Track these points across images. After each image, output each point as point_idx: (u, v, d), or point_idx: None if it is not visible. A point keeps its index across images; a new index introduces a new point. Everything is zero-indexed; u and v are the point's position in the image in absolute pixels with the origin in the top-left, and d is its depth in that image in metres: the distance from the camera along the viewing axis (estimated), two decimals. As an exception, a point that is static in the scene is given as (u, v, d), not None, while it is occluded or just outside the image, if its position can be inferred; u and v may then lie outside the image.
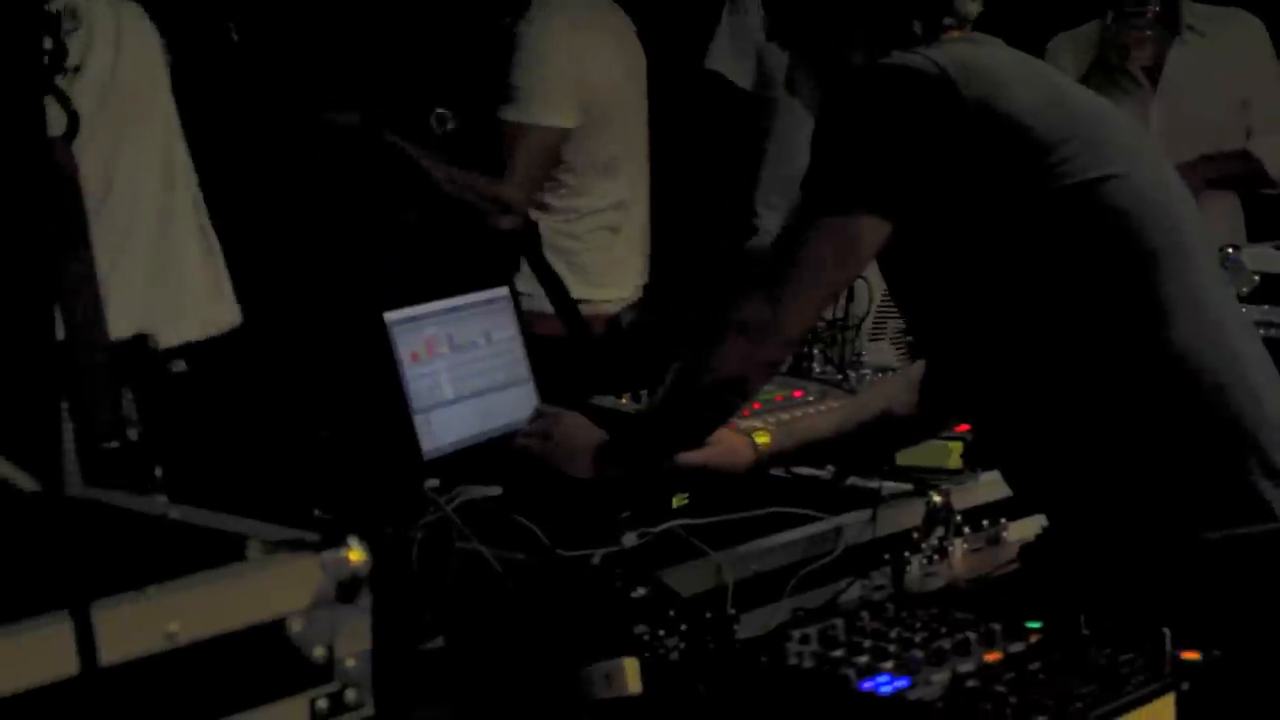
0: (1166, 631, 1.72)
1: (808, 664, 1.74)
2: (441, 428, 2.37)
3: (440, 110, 3.46)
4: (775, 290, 1.98)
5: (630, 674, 1.72)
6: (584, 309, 3.41)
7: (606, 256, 3.52)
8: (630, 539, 1.99)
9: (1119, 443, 1.94)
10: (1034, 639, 1.78)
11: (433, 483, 2.14)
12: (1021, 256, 1.94)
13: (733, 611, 1.92)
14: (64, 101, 1.67)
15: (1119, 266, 1.93)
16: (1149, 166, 2.01)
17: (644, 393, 2.66)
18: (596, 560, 1.92)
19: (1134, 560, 1.94)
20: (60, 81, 1.67)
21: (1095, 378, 1.94)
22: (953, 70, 1.93)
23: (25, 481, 1.20)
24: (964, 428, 2.40)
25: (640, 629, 1.82)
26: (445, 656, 1.89)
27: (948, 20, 2.05)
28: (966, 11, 2.07)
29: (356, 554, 1.40)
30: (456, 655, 1.89)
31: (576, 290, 3.42)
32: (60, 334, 1.67)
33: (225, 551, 1.39)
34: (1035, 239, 1.93)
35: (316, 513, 1.89)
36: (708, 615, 1.89)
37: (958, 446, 2.34)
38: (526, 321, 2.58)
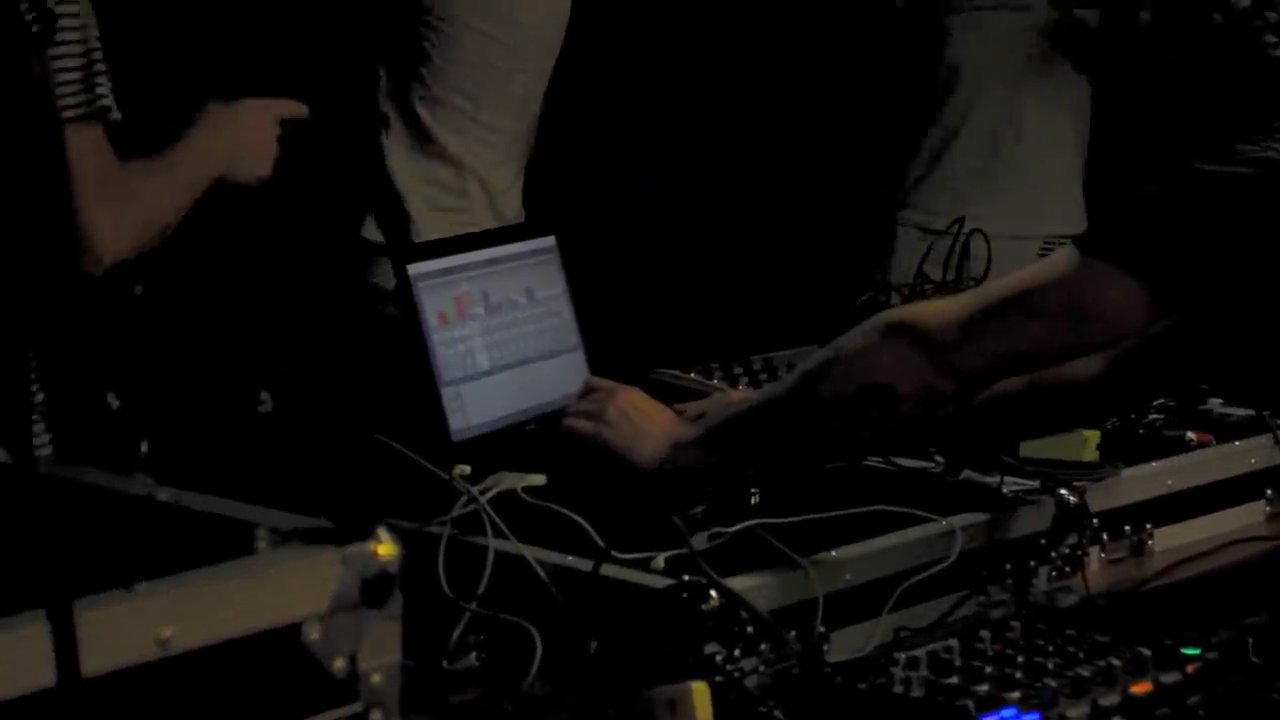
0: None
1: (916, 692, 1.76)
2: (474, 404, 2.38)
3: None
4: (983, 317, 2.00)
5: (699, 702, 1.72)
6: None
7: None
8: (700, 540, 1.99)
9: None
10: (1192, 668, 1.79)
11: (463, 469, 2.15)
12: None
13: (823, 629, 1.93)
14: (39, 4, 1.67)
15: None
16: None
17: (714, 366, 2.68)
18: (659, 565, 1.93)
19: None
20: None
21: None
22: None
23: (-4, 454, 1.20)
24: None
25: (711, 648, 1.83)
26: (478, 678, 1.90)
27: None
28: None
29: (386, 548, 1.41)
30: (492, 677, 1.90)
31: None
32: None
33: (228, 543, 1.40)
34: None
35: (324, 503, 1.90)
36: (793, 633, 1.90)
37: (1095, 436, 2.34)
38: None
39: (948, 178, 3.86)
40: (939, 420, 2.24)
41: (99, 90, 2.21)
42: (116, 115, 2.24)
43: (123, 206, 2.23)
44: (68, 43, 2.17)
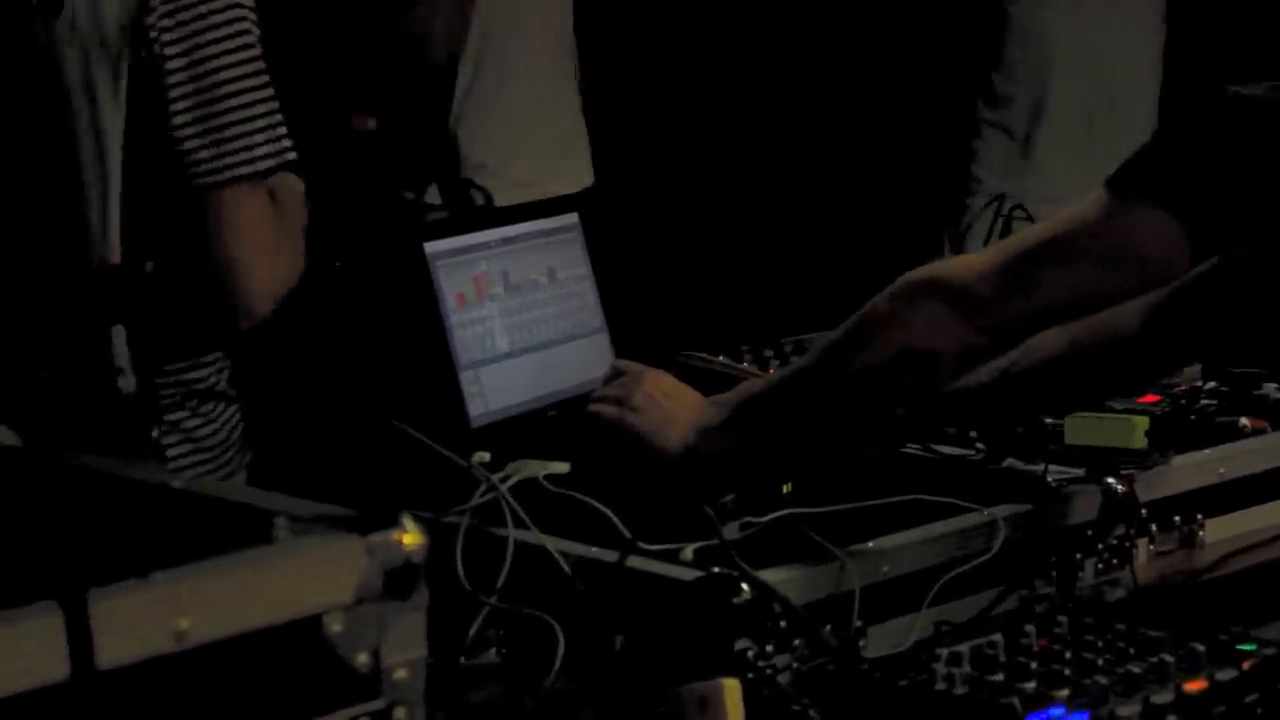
0: None
1: (959, 690, 1.75)
2: (494, 388, 2.38)
3: None
4: (1018, 268, 1.98)
5: (730, 699, 1.72)
6: None
7: None
8: (732, 530, 1.99)
9: None
10: (1248, 664, 1.78)
11: (482, 456, 2.15)
12: None
13: (860, 623, 1.93)
14: None
15: None
16: None
17: (744, 349, 2.67)
18: (688, 556, 1.93)
19: None
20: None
21: None
22: None
23: (6, 437, 1.21)
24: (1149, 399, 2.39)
25: (743, 644, 1.83)
26: (498, 674, 1.91)
27: None
28: None
29: (411, 536, 1.40)
30: (513, 673, 1.90)
31: None
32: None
33: (246, 531, 1.39)
34: None
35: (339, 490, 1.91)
36: (828, 628, 1.90)
37: (1143, 422, 2.33)
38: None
39: (1041, 158, 3.82)
40: (980, 394, 2.23)
41: (284, 141, 2.20)
42: (293, 156, 2.25)
43: (275, 260, 2.26)
44: (256, 88, 2.16)
